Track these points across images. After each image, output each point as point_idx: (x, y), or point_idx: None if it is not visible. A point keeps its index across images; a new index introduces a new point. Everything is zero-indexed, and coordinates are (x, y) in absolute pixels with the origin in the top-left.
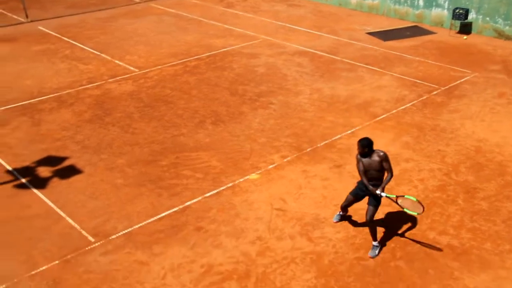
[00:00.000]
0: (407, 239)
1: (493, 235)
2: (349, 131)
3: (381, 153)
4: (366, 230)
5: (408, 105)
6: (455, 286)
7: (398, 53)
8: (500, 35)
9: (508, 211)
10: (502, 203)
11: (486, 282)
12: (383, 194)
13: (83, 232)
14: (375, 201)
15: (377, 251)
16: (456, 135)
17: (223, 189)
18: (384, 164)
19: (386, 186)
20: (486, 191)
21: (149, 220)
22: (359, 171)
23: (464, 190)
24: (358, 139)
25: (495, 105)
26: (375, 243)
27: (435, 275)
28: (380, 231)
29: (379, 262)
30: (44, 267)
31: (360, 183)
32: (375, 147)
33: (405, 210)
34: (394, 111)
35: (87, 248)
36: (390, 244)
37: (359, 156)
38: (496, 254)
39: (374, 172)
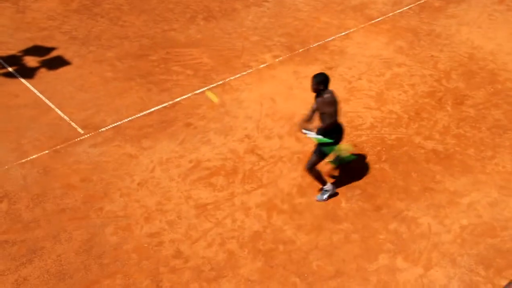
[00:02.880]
0: (393, 143)
1: (477, 142)
2: (343, 33)
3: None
4: (354, 133)
5: (405, 8)
6: (436, 188)
7: None
8: None
9: (494, 118)
10: (489, 111)
11: (466, 185)
12: (308, 132)
13: (72, 124)
14: (317, 149)
15: (325, 196)
16: (451, 41)
17: (213, 87)
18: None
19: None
20: (475, 99)
21: (139, 115)
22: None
23: (453, 96)
24: (351, 41)
25: (493, 11)
26: (324, 187)
27: (417, 178)
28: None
29: (364, 164)
30: (34, 156)
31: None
32: (368, 50)
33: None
34: (391, 14)
35: (76, 140)
36: (376, 147)
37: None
38: (478, 160)
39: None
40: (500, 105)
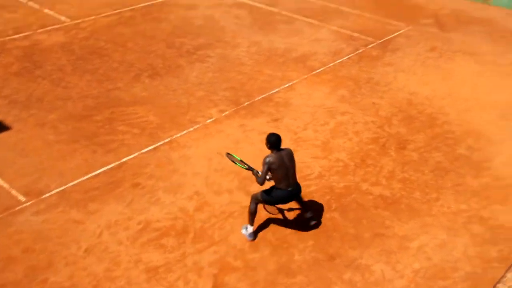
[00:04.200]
0: (342, 191)
1: (421, 185)
2: (287, 85)
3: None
4: (303, 183)
5: (344, 58)
6: (386, 234)
7: (336, 6)
8: None
9: (436, 161)
10: (431, 154)
11: (414, 229)
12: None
13: (13, 192)
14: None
15: (244, 231)
16: (389, 88)
17: (160, 144)
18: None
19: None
20: (416, 142)
21: (84, 178)
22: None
23: (396, 141)
24: (295, 92)
25: (426, 58)
26: (248, 226)
27: (367, 225)
28: (313, 189)
29: (315, 214)
30: None
31: None
32: (312, 100)
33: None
34: (331, 64)
35: (17, 208)
36: (326, 196)
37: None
38: (423, 202)
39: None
40: (440, 147)
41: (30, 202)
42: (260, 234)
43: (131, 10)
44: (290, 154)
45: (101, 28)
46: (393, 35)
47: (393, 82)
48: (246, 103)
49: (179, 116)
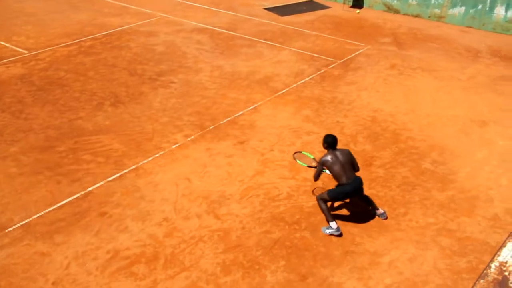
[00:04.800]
0: (311, 210)
1: (389, 200)
2: (251, 107)
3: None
4: (272, 204)
5: (307, 79)
6: (357, 250)
7: (295, 28)
8: (389, 9)
9: (402, 176)
10: (397, 169)
11: (384, 244)
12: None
13: None
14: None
15: (328, 231)
16: (353, 106)
17: (126, 172)
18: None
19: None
20: (382, 159)
21: (49, 209)
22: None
23: (362, 159)
24: (260, 114)
25: (387, 76)
26: (330, 224)
27: (337, 242)
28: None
29: (285, 234)
30: None
31: None
32: (277, 121)
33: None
34: (294, 85)
35: None
36: (295, 216)
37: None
38: (392, 217)
39: None
40: (405, 163)
41: None
42: (231, 256)
43: (91, 39)
44: (345, 152)
45: (61, 58)
46: (353, 54)
47: (356, 100)
48: (212, 127)
49: (144, 142)
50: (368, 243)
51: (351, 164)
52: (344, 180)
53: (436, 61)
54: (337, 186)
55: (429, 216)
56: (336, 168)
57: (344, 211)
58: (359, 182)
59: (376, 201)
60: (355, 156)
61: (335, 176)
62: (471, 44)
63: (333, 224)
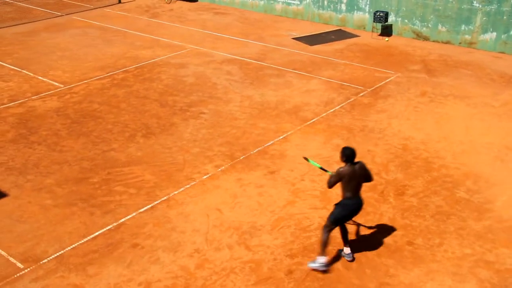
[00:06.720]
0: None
1: (423, 230)
2: (281, 137)
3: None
4: (304, 235)
5: (337, 107)
6: (391, 283)
7: (324, 57)
8: (419, 36)
9: (436, 205)
10: (430, 199)
11: (420, 276)
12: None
13: (11, 259)
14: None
15: (314, 265)
16: (384, 134)
17: (157, 203)
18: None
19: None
20: (415, 188)
21: (82, 241)
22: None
23: (394, 188)
24: (290, 144)
25: (418, 103)
26: (319, 257)
27: (371, 274)
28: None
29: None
30: None
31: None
32: (307, 151)
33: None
34: (324, 114)
35: (15, 276)
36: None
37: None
38: (427, 248)
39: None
40: (439, 191)
41: (29, 269)
42: None
43: (123, 72)
44: (363, 168)
45: (95, 91)
46: (383, 82)
47: (387, 129)
48: (242, 157)
49: (175, 173)
50: (402, 274)
51: (364, 179)
52: (351, 195)
53: (468, 88)
54: (343, 200)
55: (466, 247)
56: (351, 185)
57: (377, 242)
58: (362, 202)
59: (410, 231)
60: (387, 185)
61: (345, 189)
62: (504, 69)
63: (323, 259)
